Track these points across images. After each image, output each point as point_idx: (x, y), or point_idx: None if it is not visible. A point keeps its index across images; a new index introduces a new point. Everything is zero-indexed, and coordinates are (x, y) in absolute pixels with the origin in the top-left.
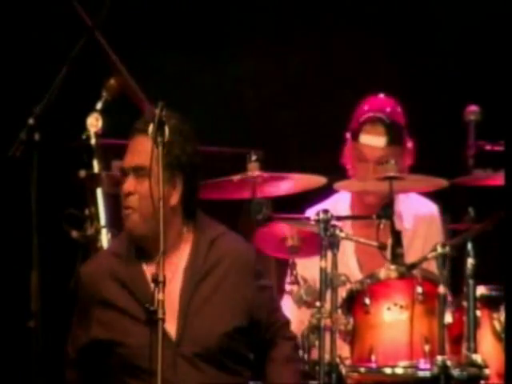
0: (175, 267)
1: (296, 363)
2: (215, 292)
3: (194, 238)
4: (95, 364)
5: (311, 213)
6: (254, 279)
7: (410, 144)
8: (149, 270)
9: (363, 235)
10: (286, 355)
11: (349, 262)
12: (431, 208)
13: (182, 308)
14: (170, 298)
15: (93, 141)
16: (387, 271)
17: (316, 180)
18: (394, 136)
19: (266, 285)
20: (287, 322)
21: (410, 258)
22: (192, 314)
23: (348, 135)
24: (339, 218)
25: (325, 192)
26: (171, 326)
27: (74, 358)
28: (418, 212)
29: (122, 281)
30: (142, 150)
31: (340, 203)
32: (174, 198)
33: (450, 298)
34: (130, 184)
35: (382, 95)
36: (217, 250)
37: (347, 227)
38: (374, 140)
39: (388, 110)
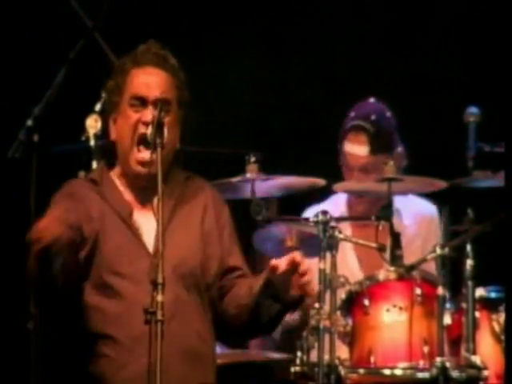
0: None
1: None
2: (187, 222)
3: (169, 174)
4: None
5: (309, 213)
6: (228, 231)
7: (400, 149)
8: (130, 196)
9: (362, 235)
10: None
11: (348, 260)
12: (431, 208)
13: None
14: (150, 221)
15: (92, 142)
16: (386, 272)
17: (314, 182)
18: (378, 145)
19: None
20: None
21: (410, 255)
22: (168, 236)
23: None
24: (338, 220)
25: (324, 193)
26: (150, 240)
27: None
28: (417, 211)
29: (102, 196)
30: (162, 83)
31: (337, 204)
32: (177, 141)
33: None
34: (152, 114)
35: (371, 100)
36: (191, 186)
37: (345, 227)
38: (356, 149)
39: (373, 117)
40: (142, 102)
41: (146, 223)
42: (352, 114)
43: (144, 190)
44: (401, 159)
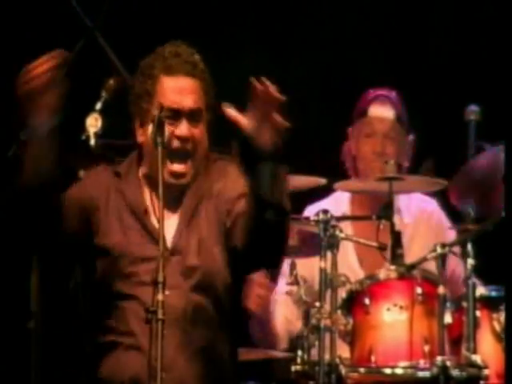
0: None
1: None
2: (209, 221)
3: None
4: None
5: (311, 210)
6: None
7: (411, 137)
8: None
9: (364, 234)
10: None
11: (349, 259)
12: (430, 204)
13: (180, 223)
14: (168, 221)
15: (92, 141)
16: (387, 272)
17: (315, 181)
18: (400, 115)
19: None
20: None
21: (411, 253)
22: (188, 232)
23: (351, 130)
24: (339, 219)
25: (325, 192)
26: (169, 236)
27: None
28: (417, 209)
29: (119, 191)
30: (194, 93)
31: (339, 202)
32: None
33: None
34: (187, 128)
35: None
36: (213, 175)
37: (347, 226)
38: (384, 111)
39: (394, 93)
40: (175, 114)
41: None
42: (371, 92)
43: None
44: (412, 147)
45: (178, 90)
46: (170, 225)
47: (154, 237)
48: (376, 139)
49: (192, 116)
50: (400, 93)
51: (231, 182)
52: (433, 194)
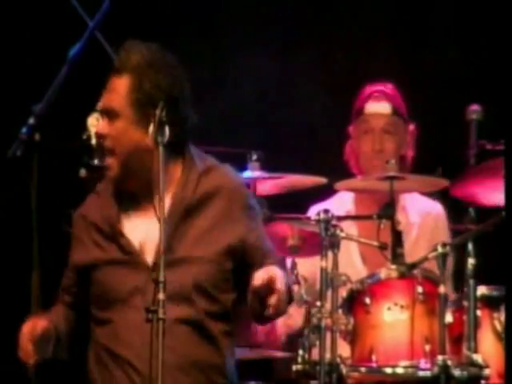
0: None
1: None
2: (200, 227)
3: (182, 174)
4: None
5: (315, 211)
6: (246, 212)
7: (411, 126)
8: (125, 207)
9: (368, 233)
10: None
11: (353, 259)
12: (437, 207)
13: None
14: (151, 230)
15: (93, 141)
16: (388, 271)
17: (316, 180)
18: (397, 107)
19: (256, 214)
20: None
21: (417, 252)
22: (171, 247)
23: (351, 129)
24: (340, 218)
25: (326, 191)
26: (149, 256)
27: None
28: (423, 209)
29: (94, 218)
30: (112, 90)
31: (344, 201)
32: (150, 139)
33: (453, 297)
34: (102, 126)
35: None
36: (207, 184)
37: (351, 225)
38: (379, 107)
39: (390, 86)
40: (101, 116)
41: (139, 233)
42: (366, 90)
43: (132, 196)
44: (413, 136)
45: (105, 91)
46: (150, 246)
47: (131, 254)
48: (374, 136)
49: (107, 114)
50: (397, 86)
51: (233, 205)
52: (432, 194)
